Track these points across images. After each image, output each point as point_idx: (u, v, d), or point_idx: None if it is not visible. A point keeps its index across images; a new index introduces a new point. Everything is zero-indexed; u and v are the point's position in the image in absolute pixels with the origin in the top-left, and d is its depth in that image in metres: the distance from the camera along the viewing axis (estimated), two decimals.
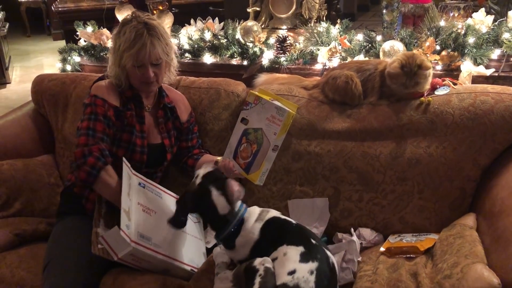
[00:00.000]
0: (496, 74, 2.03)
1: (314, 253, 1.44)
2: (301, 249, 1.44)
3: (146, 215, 1.64)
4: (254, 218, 1.58)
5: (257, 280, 1.36)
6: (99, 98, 1.76)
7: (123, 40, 1.72)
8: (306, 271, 1.38)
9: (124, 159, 1.67)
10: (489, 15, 2.21)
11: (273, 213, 1.61)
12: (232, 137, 1.92)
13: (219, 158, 1.88)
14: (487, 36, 2.10)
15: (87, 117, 1.73)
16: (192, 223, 1.86)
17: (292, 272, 1.38)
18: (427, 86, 1.81)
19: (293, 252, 1.43)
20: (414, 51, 2.11)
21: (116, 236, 1.50)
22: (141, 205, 1.65)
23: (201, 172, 1.63)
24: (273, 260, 1.45)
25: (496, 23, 2.16)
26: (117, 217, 1.61)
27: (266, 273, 1.37)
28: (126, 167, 1.66)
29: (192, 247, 1.74)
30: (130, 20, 1.75)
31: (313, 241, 1.49)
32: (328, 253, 1.50)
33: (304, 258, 1.41)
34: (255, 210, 1.62)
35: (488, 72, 2.02)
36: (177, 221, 1.60)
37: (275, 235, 1.52)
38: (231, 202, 1.56)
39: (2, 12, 6.63)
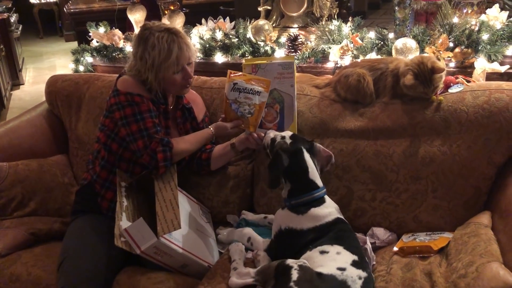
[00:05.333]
0: (511, 70, 2.00)
1: (365, 267, 1.48)
2: (355, 257, 1.48)
3: None
4: (334, 205, 1.64)
5: (294, 273, 1.37)
6: (135, 95, 1.75)
7: (156, 53, 1.71)
8: (355, 274, 1.42)
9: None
10: (503, 11, 2.18)
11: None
12: None
13: (233, 140, 1.91)
14: (501, 32, 2.07)
15: (132, 119, 1.72)
16: (204, 222, 1.87)
17: (342, 269, 1.42)
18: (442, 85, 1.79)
19: (347, 255, 1.48)
20: (427, 48, 2.10)
21: (141, 228, 1.52)
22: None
23: (285, 134, 1.69)
24: (323, 252, 1.48)
25: (511, 19, 2.14)
26: (138, 211, 1.62)
27: (302, 267, 1.39)
28: None
29: (206, 245, 1.76)
30: (150, 34, 1.73)
31: (366, 259, 1.55)
32: (373, 274, 1.54)
33: (355, 265, 1.45)
34: (331, 201, 1.66)
35: (503, 68, 2.00)
36: (272, 179, 1.62)
37: (339, 234, 1.56)
38: (325, 164, 1.70)
39: (15, 14, 6.71)
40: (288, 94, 1.86)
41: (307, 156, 1.65)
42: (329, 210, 1.61)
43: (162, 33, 1.73)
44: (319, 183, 1.64)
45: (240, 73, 1.83)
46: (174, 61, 1.72)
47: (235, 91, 1.78)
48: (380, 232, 1.78)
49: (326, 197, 1.65)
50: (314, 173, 1.64)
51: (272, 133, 1.76)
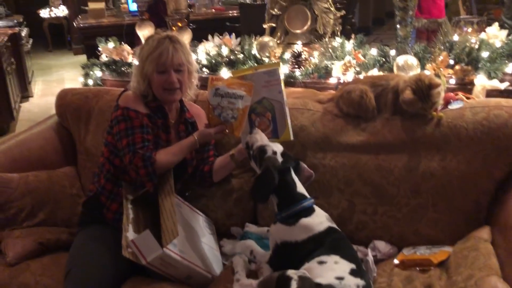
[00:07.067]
0: (511, 88, 2.04)
1: (363, 275, 1.50)
2: (352, 266, 1.49)
3: None
4: (324, 214, 1.67)
5: (293, 284, 1.38)
6: (131, 110, 1.80)
7: (146, 49, 1.83)
8: (354, 283, 1.44)
9: None
10: (502, 30, 2.23)
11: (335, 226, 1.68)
12: None
13: (232, 151, 1.94)
14: (501, 50, 2.11)
15: (123, 134, 1.77)
16: (208, 234, 1.90)
17: (340, 278, 1.43)
18: (441, 101, 1.83)
19: (344, 265, 1.49)
20: (428, 65, 2.14)
21: (147, 239, 1.55)
22: None
23: (276, 149, 1.71)
24: (321, 263, 1.50)
25: (510, 37, 2.18)
26: (144, 223, 1.65)
27: (301, 278, 1.40)
28: None
29: (211, 257, 1.78)
30: (150, 38, 1.86)
31: (363, 267, 1.56)
32: (371, 282, 1.55)
33: (353, 273, 1.47)
34: (321, 210, 1.69)
35: (502, 86, 2.03)
36: (260, 195, 1.66)
37: (334, 243, 1.57)
38: (304, 182, 1.71)
39: (26, 28, 6.84)
40: (277, 101, 1.86)
41: (293, 174, 1.68)
42: (320, 219, 1.62)
43: (162, 36, 1.84)
44: (307, 195, 1.67)
45: (222, 78, 1.83)
46: (156, 57, 1.79)
47: (217, 96, 1.78)
48: (381, 245, 1.80)
49: (316, 207, 1.67)
50: (301, 188, 1.67)
51: (259, 136, 1.76)
